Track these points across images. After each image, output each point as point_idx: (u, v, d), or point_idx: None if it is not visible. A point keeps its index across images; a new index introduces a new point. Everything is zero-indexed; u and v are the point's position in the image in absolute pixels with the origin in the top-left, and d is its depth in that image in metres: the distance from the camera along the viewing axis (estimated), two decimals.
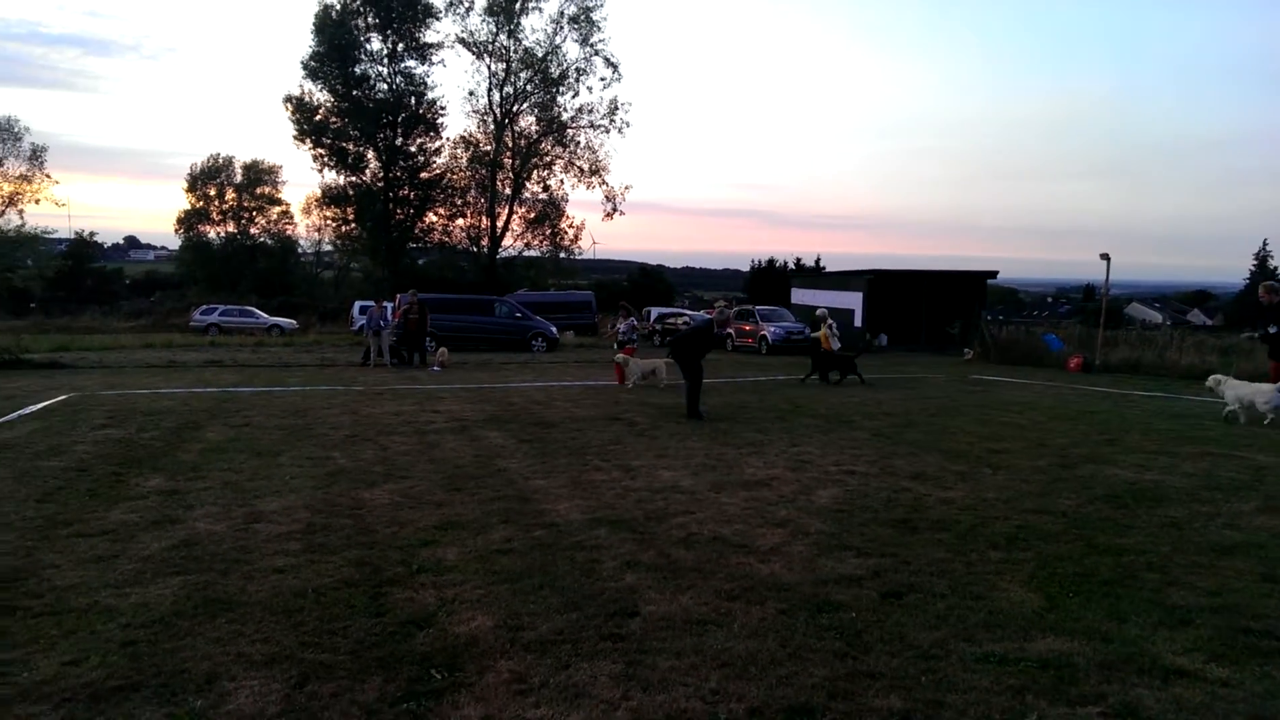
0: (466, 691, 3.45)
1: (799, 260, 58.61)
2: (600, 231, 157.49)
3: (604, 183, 44.66)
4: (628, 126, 45.75)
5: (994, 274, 33.50)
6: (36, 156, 45.32)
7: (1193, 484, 7.38)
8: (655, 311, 35.99)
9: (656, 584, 4.74)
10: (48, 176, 45.75)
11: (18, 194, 44.97)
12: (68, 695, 3.39)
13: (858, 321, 29.64)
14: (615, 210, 45.16)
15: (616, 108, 43.92)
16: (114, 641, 3.91)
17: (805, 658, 3.77)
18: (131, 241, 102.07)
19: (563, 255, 47.14)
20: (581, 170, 44.62)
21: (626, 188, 47.20)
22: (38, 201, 45.82)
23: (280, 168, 53.97)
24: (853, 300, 30.14)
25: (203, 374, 17.61)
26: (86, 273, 58.68)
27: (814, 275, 44.98)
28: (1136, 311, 70.23)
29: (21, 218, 45.77)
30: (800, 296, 34.34)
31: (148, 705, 3.32)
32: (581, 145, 44.57)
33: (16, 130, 44.96)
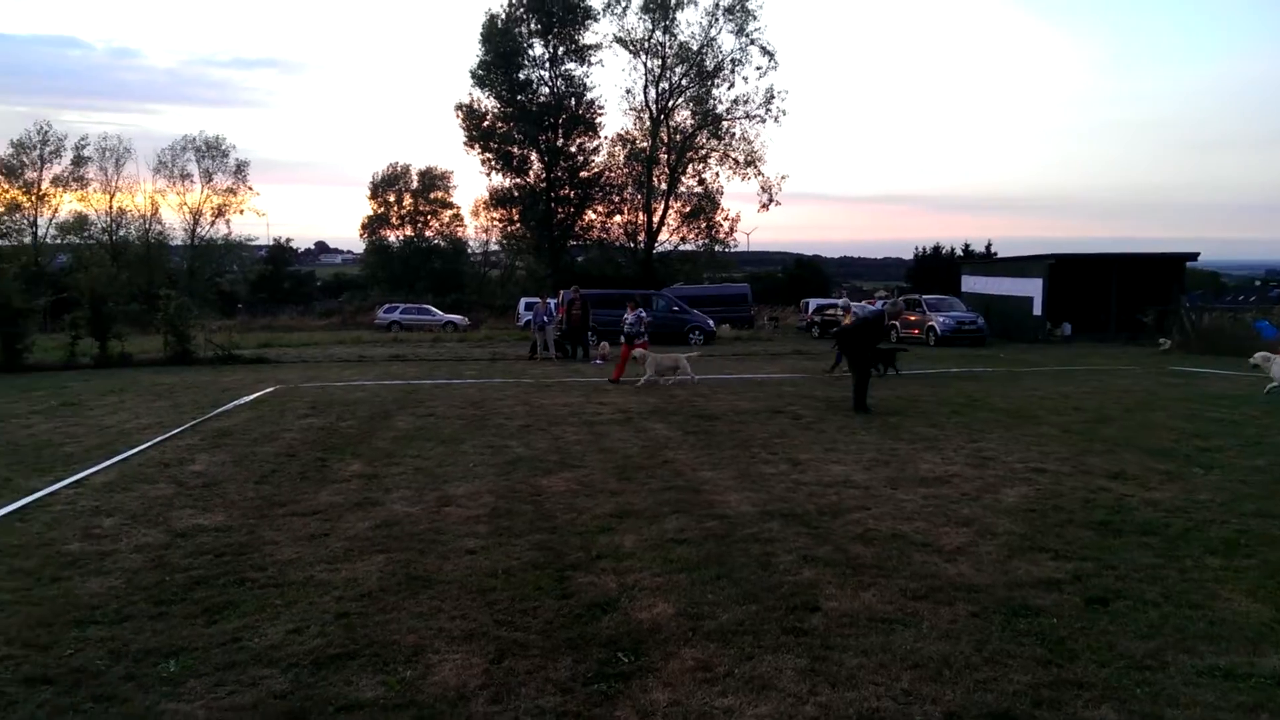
0: (654, 676, 3.52)
1: (967, 246, 55.65)
2: (756, 223, 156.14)
3: (759, 173, 44.16)
4: (784, 115, 44.76)
5: (1194, 256, 30.48)
6: (240, 171, 50.05)
7: None
8: (813, 303, 35.27)
9: (836, 580, 4.65)
10: (250, 189, 50.40)
11: (225, 205, 49.83)
12: (293, 661, 3.72)
13: (1037, 310, 27.81)
14: (771, 201, 44.60)
15: (772, 96, 43.29)
16: (330, 613, 4.26)
17: (1004, 663, 3.58)
18: (321, 246, 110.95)
19: (718, 249, 47.05)
20: (736, 162, 44.33)
21: (783, 178, 46.60)
22: (241, 212, 50.57)
23: (451, 173, 56.91)
24: (1031, 288, 28.27)
25: (389, 368, 18.89)
26: (284, 276, 64.25)
27: (986, 262, 42.59)
28: None
29: (228, 227, 50.69)
30: (972, 284, 32.59)
31: (363, 673, 3.60)
32: (737, 137, 44.28)
33: (224, 148, 49.79)
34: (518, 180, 45.26)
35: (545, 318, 21.03)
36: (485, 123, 44.23)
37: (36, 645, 3.88)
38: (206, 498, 6.62)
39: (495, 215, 47.78)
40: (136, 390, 14.14)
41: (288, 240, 68.14)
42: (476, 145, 44.31)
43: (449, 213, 57.24)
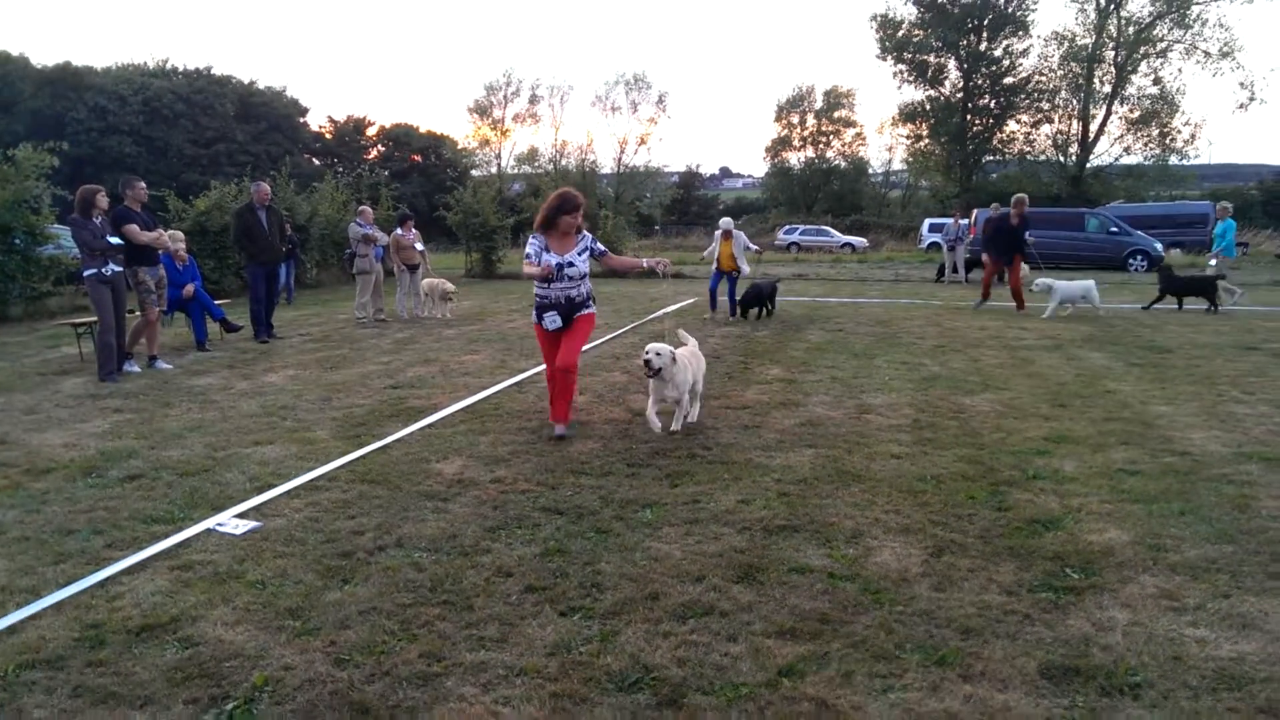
0: (1109, 595, 3.37)
1: None
2: (1221, 131, 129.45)
3: (1238, 65, 36.40)
4: None
5: None
6: (661, 101, 54.02)
7: None
8: None
9: None
10: (668, 118, 54.35)
11: (647, 134, 54.32)
12: (746, 525, 4.20)
13: None
14: (1252, 100, 36.65)
15: None
16: (771, 491, 4.70)
17: None
18: (725, 171, 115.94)
19: (1174, 159, 40.05)
20: (1207, 54, 36.98)
21: (1272, 70, 37.72)
22: (660, 140, 54.87)
23: (855, 91, 55.63)
24: None
25: (792, 285, 19.45)
26: (693, 200, 68.63)
27: None
28: None
29: (649, 154, 55.39)
30: None
31: (808, 544, 3.94)
32: (1210, 24, 36.85)
33: (648, 80, 54.16)
34: (930, 92, 42.76)
35: (957, 237, 19.93)
36: (900, 33, 42.21)
37: (547, 485, 4.85)
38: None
39: (903, 131, 45.81)
40: None
41: (697, 166, 72.51)
42: (889, 56, 42.58)
43: (851, 131, 56.16)
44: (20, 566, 3.77)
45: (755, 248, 13.75)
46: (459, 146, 55.14)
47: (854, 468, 5.11)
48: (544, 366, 6.14)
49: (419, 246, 13.56)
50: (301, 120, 53.86)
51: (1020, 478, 4.89)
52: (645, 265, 6.22)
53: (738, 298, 12.64)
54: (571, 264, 5.70)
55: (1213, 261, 15.04)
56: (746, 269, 12.52)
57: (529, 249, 5.69)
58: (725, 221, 12.57)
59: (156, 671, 2.89)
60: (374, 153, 55.91)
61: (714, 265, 12.70)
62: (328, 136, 56.11)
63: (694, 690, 2.73)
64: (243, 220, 10.89)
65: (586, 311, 5.87)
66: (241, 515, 4.40)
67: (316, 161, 51.19)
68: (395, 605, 3.36)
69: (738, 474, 5.02)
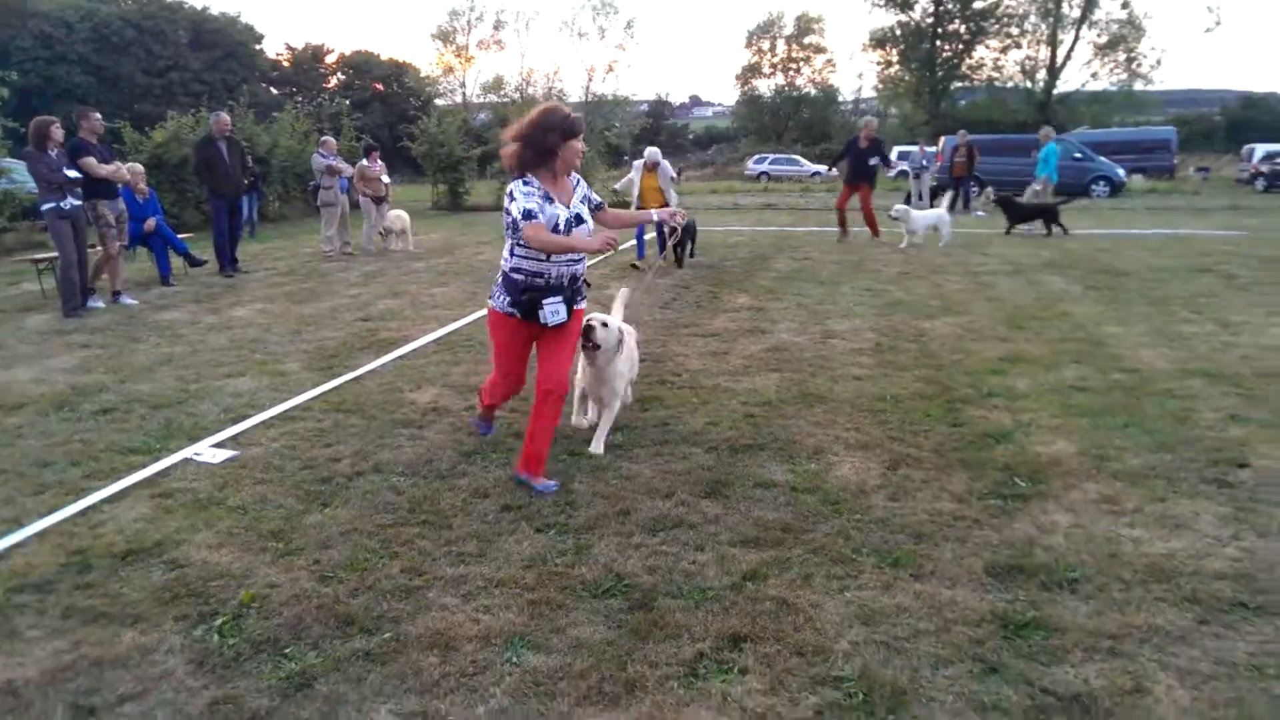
0: (1054, 501, 3.58)
1: None
2: (1186, 57, 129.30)
3: None
4: None
5: None
6: (629, 27, 52.92)
7: None
8: (1260, 150, 28.96)
9: (1273, 440, 4.20)
10: (636, 44, 53.16)
11: (615, 61, 53.32)
12: (713, 445, 4.35)
13: None
14: (1218, 24, 36.62)
15: None
16: (738, 413, 4.85)
17: None
18: (695, 100, 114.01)
19: (1139, 85, 40.13)
20: None
21: None
22: (629, 67, 53.80)
23: (825, 17, 54.78)
24: None
25: (762, 215, 19.50)
26: (661, 129, 67.67)
27: None
28: None
29: (617, 81, 54.32)
30: None
31: (772, 461, 4.11)
32: None
33: (615, 4, 52.80)
34: (901, 17, 42.18)
35: (923, 163, 19.97)
36: None
37: (520, 412, 4.91)
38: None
39: (875, 56, 45.31)
40: None
41: (666, 95, 71.31)
42: None
43: (821, 58, 55.44)
44: (0, 498, 3.83)
45: (674, 174, 11.68)
46: (422, 75, 53.63)
47: (817, 390, 5.27)
48: (497, 378, 4.05)
49: (385, 179, 13.36)
50: (257, 48, 51.89)
51: (975, 395, 5.09)
52: (655, 219, 4.19)
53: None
54: (582, 221, 3.72)
55: (1036, 187, 15.26)
56: (675, 199, 11.04)
57: (526, 202, 3.54)
58: (651, 152, 10.99)
59: (145, 592, 2.99)
60: (333, 81, 54.19)
61: (634, 203, 10.82)
62: (285, 65, 54.21)
63: (664, 595, 2.89)
64: (203, 152, 10.64)
65: (583, 302, 3.93)
66: (218, 445, 4.47)
67: (274, 91, 49.52)
68: (375, 526, 3.48)
69: (705, 398, 5.16)
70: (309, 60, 54.67)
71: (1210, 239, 13.09)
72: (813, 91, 55.74)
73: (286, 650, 2.63)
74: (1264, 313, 7.30)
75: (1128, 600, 2.80)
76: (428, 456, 4.24)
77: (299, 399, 5.27)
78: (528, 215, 3.52)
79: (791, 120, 54.09)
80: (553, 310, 3.70)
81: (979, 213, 18.87)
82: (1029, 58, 41.34)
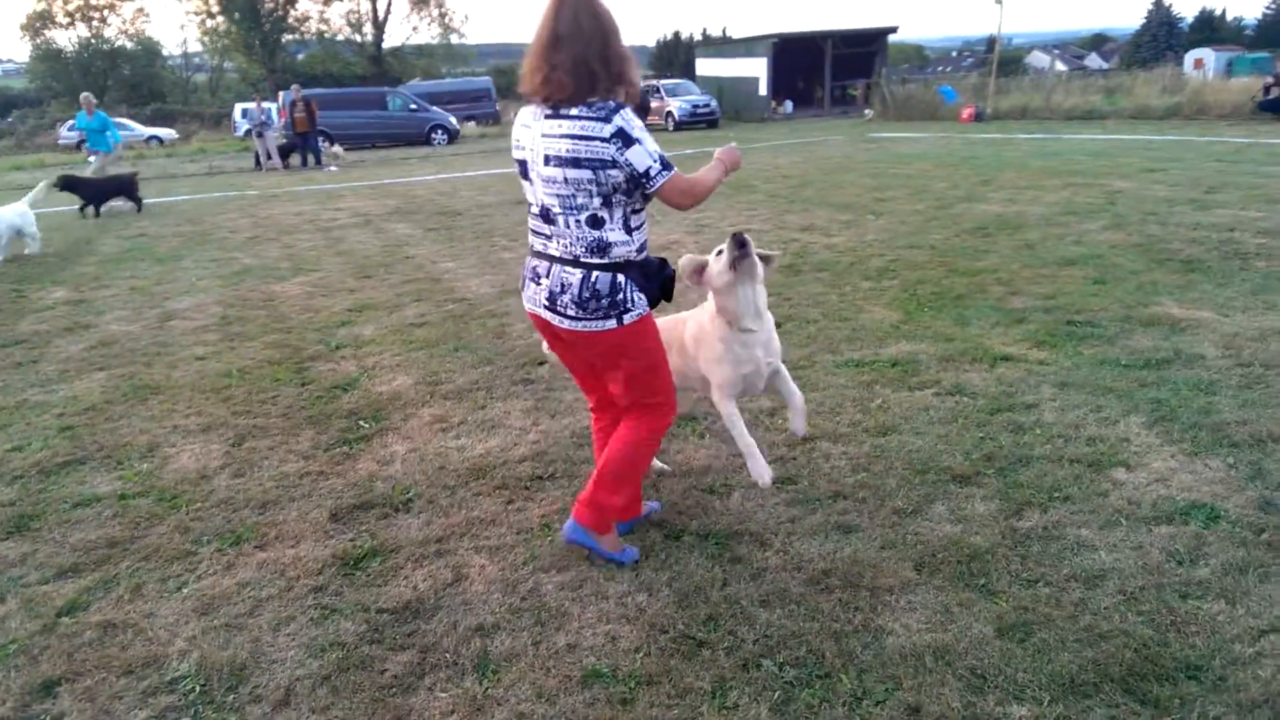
0: (394, 434, 3.87)
1: (705, 31, 56.16)
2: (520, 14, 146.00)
3: None
4: None
5: (894, 29, 32.90)
6: None
7: (1052, 211, 8.06)
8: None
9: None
10: None
11: None
12: (18, 474, 3.66)
13: (763, 89, 29.18)
14: None
15: None
16: (51, 428, 4.15)
17: None
18: None
19: (452, 38, 44.19)
20: None
21: None
22: None
23: None
24: (757, 68, 29.48)
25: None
26: None
27: (718, 44, 43.40)
28: (1036, 60, 70.15)
29: None
30: (706, 68, 33.37)
31: (96, 473, 3.63)
32: None
33: None
34: None
35: (264, 121, 19.20)
36: None
37: None
38: None
39: (191, 8, 41.41)
40: None
41: None
42: None
43: (130, 6, 48.80)
44: None
45: None
46: None
47: (152, 380, 4.79)
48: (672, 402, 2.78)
49: None
50: None
51: (324, 351, 5.19)
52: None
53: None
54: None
55: (91, 160, 14.03)
56: None
57: (653, 145, 2.33)
58: None
59: None
60: None
61: None
62: None
63: None
64: None
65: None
66: None
67: None
68: None
69: (5, 421, 4.30)
70: None
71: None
72: (129, 45, 48.90)
73: None
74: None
75: (453, 504, 3.19)
76: None
77: None
78: (667, 168, 2.34)
79: (110, 78, 46.82)
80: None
81: (331, 167, 18.97)
82: (353, 11, 42.36)
